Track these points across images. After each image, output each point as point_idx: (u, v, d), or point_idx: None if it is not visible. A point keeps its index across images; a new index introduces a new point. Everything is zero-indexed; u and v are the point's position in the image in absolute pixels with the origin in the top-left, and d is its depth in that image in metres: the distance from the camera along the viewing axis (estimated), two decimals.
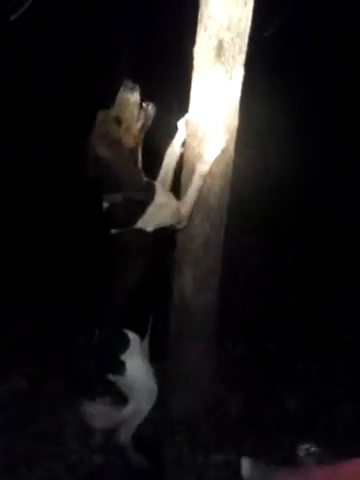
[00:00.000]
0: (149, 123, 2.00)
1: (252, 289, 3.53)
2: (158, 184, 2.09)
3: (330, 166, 4.96)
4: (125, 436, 2.25)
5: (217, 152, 2.03)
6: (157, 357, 2.79)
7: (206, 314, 2.41)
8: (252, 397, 2.68)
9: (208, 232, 2.21)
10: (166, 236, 2.12)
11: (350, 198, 4.51)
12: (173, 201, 2.08)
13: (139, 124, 1.97)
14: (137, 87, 1.94)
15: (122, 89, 1.92)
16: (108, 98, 1.97)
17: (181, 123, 2.17)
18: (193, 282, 2.30)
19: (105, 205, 2.03)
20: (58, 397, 2.74)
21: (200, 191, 2.10)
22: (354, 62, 5.07)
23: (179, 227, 2.14)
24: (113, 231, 2.05)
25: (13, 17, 1.39)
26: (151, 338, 2.41)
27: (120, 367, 2.04)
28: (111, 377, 2.10)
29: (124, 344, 2.05)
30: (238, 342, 3.05)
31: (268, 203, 4.56)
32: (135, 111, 1.94)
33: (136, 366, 2.08)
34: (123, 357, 2.04)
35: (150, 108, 1.99)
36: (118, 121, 1.92)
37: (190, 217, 2.16)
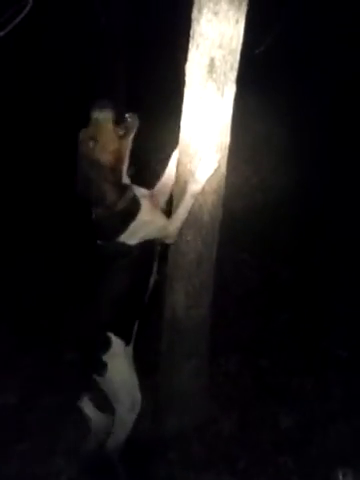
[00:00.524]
0: (130, 135, 2.00)
1: (245, 305, 3.51)
2: (144, 201, 2.08)
3: (324, 181, 4.99)
4: (113, 446, 2.25)
5: (209, 172, 2.04)
6: (149, 373, 2.80)
7: (198, 330, 2.39)
8: (245, 414, 2.65)
9: (200, 248, 2.20)
10: (154, 249, 2.14)
11: (345, 213, 4.52)
12: (160, 218, 2.10)
13: (117, 141, 1.97)
14: (109, 105, 1.94)
15: (93, 109, 1.94)
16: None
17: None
18: (185, 298, 2.29)
19: (93, 217, 2.07)
20: (49, 412, 2.71)
21: (192, 207, 2.10)
22: (347, 77, 5.13)
23: (168, 242, 2.17)
24: (98, 242, 2.10)
25: (2, 33, 1.40)
26: (143, 353, 2.41)
27: (101, 367, 2.10)
28: (95, 377, 2.14)
29: (106, 345, 2.10)
30: (231, 358, 3.01)
31: (262, 218, 4.56)
32: (109, 130, 1.95)
33: (117, 369, 2.14)
34: (105, 358, 2.09)
35: (131, 120, 1.99)
36: (94, 140, 1.93)
37: (182, 233, 2.16)
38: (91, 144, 1.94)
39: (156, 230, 2.09)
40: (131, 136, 2.01)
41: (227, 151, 2.12)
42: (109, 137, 1.95)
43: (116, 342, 2.12)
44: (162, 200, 2.25)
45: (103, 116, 1.94)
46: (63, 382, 2.86)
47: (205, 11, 1.89)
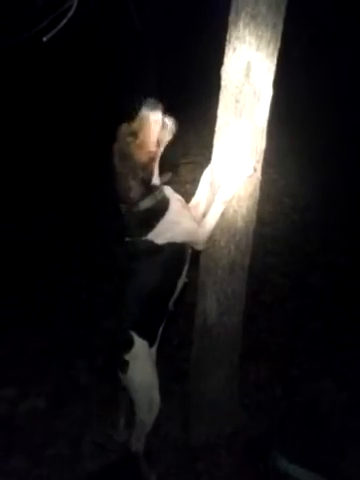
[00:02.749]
0: (167, 139, 2.00)
1: (275, 312, 3.45)
2: (174, 202, 2.07)
3: (354, 185, 4.89)
4: (135, 446, 2.30)
5: (242, 179, 2.01)
6: (179, 379, 2.78)
7: (230, 338, 2.35)
8: (275, 425, 2.58)
9: (234, 254, 2.16)
10: (185, 252, 2.12)
11: None
12: (189, 222, 2.06)
13: (155, 141, 1.96)
14: (159, 106, 1.94)
15: (144, 106, 1.94)
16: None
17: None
18: (217, 305, 2.25)
19: (122, 211, 2.07)
20: (77, 417, 2.71)
21: (226, 213, 2.07)
22: None
23: (197, 248, 2.13)
24: (127, 239, 2.08)
25: (46, 38, 1.40)
26: (173, 359, 2.38)
27: (123, 365, 2.11)
28: (118, 373, 2.16)
29: (128, 344, 2.11)
30: (260, 367, 2.96)
31: (291, 224, 4.50)
32: (154, 129, 1.94)
33: (138, 369, 2.13)
34: (127, 357, 2.11)
35: (169, 124, 1.98)
36: (134, 136, 1.93)
37: (215, 239, 2.13)
38: (130, 139, 1.94)
39: (184, 233, 2.06)
40: (167, 140, 2.00)
41: (262, 155, 2.08)
42: (150, 136, 1.94)
43: (139, 342, 2.12)
44: (197, 215, 2.20)
45: (153, 115, 1.93)
46: (92, 388, 2.87)
47: (243, 14, 1.86)
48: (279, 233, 4.32)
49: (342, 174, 5.01)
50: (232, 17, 1.90)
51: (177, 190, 2.19)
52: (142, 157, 1.95)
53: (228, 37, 1.94)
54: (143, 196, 1.98)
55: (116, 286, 3.39)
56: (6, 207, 4.77)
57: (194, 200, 2.24)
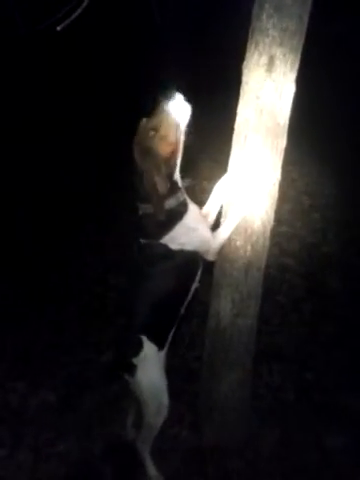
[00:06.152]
0: (186, 124, 1.93)
1: (290, 314, 3.37)
2: (193, 207, 2.03)
3: None
4: (142, 448, 2.28)
5: (262, 193, 1.96)
6: (189, 380, 2.73)
7: (243, 341, 2.28)
8: (288, 432, 2.52)
9: (250, 255, 2.10)
10: (199, 258, 2.07)
11: None
12: (204, 230, 2.03)
13: (177, 135, 1.91)
14: (176, 95, 1.89)
15: (162, 98, 1.90)
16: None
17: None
18: (231, 306, 2.19)
19: (139, 213, 2.02)
20: (87, 413, 2.69)
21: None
22: None
23: (207, 259, 2.08)
24: (142, 241, 2.04)
25: (60, 27, 1.37)
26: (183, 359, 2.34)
27: (131, 369, 2.08)
28: (127, 377, 2.13)
29: (137, 347, 2.08)
30: (273, 370, 2.89)
31: (309, 223, 4.40)
32: (173, 122, 1.89)
33: (146, 373, 2.10)
34: (135, 360, 2.07)
35: (187, 109, 1.91)
36: (156, 130, 1.89)
37: (231, 238, 2.07)
38: (151, 133, 1.89)
39: (198, 241, 2.02)
40: (187, 126, 1.93)
41: (283, 154, 2.01)
42: (171, 129, 1.89)
43: (148, 346, 2.09)
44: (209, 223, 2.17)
45: (172, 106, 1.88)
46: (101, 382, 2.85)
47: (267, 6, 1.79)
48: (296, 232, 4.23)
49: None
50: (255, 9, 1.83)
51: (194, 186, 2.14)
52: (165, 150, 1.90)
53: (250, 31, 1.88)
54: (169, 193, 1.93)
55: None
56: (22, 200, 4.78)
57: (205, 208, 2.18)
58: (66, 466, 2.42)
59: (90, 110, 5.82)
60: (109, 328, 3.26)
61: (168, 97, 1.89)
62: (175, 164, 1.96)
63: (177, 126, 1.90)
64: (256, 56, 1.86)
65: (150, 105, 1.95)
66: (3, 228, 4.33)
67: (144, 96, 2.13)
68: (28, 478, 2.37)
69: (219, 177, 2.17)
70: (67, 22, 1.37)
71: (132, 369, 2.08)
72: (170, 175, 1.94)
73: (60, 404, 2.76)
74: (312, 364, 2.92)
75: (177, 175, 1.99)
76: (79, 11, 1.38)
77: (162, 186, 1.89)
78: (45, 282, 3.81)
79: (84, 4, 1.40)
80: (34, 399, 2.79)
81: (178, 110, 1.89)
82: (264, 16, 1.79)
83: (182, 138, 1.93)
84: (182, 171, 2.04)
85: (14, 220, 4.47)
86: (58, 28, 1.37)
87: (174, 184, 1.97)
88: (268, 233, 2.13)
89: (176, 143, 1.92)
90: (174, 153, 1.93)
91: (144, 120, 1.94)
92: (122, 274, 3.77)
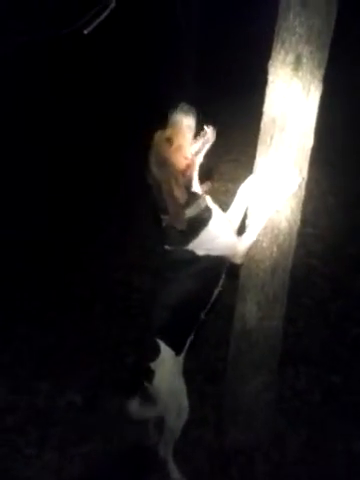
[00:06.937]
0: (206, 147, 1.96)
1: (316, 315, 3.32)
2: (217, 211, 2.02)
3: None
4: (164, 451, 2.29)
5: (288, 195, 1.95)
6: (213, 381, 2.72)
7: (269, 343, 2.26)
8: (314, 435, 2.48)
9: (276, 256, 2.08)
10: (223, 263, 2.07)
11: None
12: (230, 234, 2.02)
13: (193, 147, 1.94)
14: (192, 111, 1.92)
15: (177, 111, 1.92)
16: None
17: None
18: (257, 309, 2.17)
19: (163, 225, 2.03)
20: (112, 414, 2.70)
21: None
22: None
23: (235, 262, 2.07)
24: (167, 248, 2.05)
25: (87, 30, 1.38)
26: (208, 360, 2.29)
27: (148, 374, 2.09)
28: (145, 382, 2.13)
29: (155, 352, 2.08)
30: (299, 372, 2.85)
31: (334, 223, 4.33)
32: (188, 133, 1.92)
33: (164, 377, 2.10)
34: (152, 365, 2.08)
35: (209, 132, 1.94)
36: (169, 141, 1.91)
37: (257, 239, 2.05)
38: (166, 145, 1.91)
39: (224, 245, 2.01)
40: (206, 148, 1.96)
41: (309, 153, 1.98)
42: (185, 141, 1.92)
43: (165, 350, 2.09)
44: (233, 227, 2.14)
45: (186, 120, 1.91)
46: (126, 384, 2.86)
47: (293, 3, 1.77)
48: (322, 233, 4.16)
49: None
50: (282, 7, 1.81)
51: (218, 188, 2.13)
52: (180, 162, 1.92)
53: (276, 29, 1.86)
54: (188, 202, 1.93)
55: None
56: (47, 202, 4.84)
57: (230, 211, 2.16)
58: (89, 467, 2.43)
59: (114, 112, 5.85)
60: (133, 329, 3.27)
61: (181, 110, 1.92)
62: (192, 175, 1.97)
63: (189, 138, 1.92)
64: (282, 54, 1.84)
65: (166, 116, 1.96)
66: (26, 231, 4.39)
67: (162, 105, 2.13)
68: (53, 478, 2.38)
69: (243, 179, 2.15)
70: (94, 25, 1.38)
71: (150, 375, 2.08)
72: (188, 185, 1.95)
73: (85, 406, 2.78)
74: (338, 366, 2.87)
75: (196, 184, 2.00)
76: (106, 13, 1.38)
77: (180, 196, 1.90)
78: (69, 284, 3.85)
79: (111, 6, 1.40)
80: (61, 400, 2.81)
81: (189, 123, 1.91)
82: (291, 14, 1.77)
83: (199, 150, 1.95)
84: (205, 173, 2.04)
85: (37, 223, 4.52)
86: (85, 31, 1.37)
87: (193, 193, 1.97)
88: (294, 233, 2.11)
89: (192, 156, 1.94)
90: (189, 166, 1.94)
91: (159, 132, 1.96)
92: (145, 275, 3.78)
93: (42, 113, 5.81)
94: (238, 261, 2.07)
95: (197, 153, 1.95)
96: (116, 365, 3.02)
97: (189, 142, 1.92)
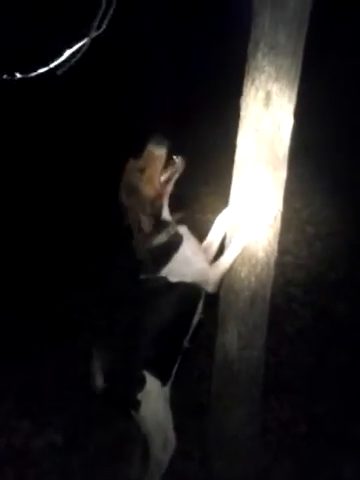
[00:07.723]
0: (176, 176, 2.03)
1: (297, 344, 3.33)
2: (188, 238, 2.06)
3: None
4: None
5: (263, 226, 2.00)
6: (197, 414, 2.68)
7: (251, 373, 2.26)
8: (301, 466, 2.46)
9: (255, 286, 2.10)
10: (200, 289, 2.08)
11: None
12: (201, 261, 2.05)
13: (163, 177, 2.00)
14: (165, 143, 1.98)
15: (150, 142, 1.98)
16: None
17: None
18: (238, 339, 2.17)
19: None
20: (94, 453, 2.63)
21: (246, 244, 2.02)
22: None
23: (208, 290, 2.08)
24: (142, 276, 2.08)
25: (60, 71, 1.42)
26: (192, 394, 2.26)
27: (135, 405, 2.07)
28: (132, 412, 2.10)
29: (140, 383, 2.05)
30: (283, 402, 2.84)
31: (314, 252, 4.39)
32: (159, 164, 1.98)
33: (151, 408, 2.09)
34: (139, 396, 2.05)
35: (178, 162, 2.02)
36: (141, 171, 1.97)
37: (235, 270, 2.08)
38: (137, 174, 1.97)
39: (196, 272, 2.04)
40: (175, 177, 2.03)
41: (284, 185, 2.04)
42: (156, 172, 1.97)
43: (151, 381, 2.07)
44: (209, 257, 2.17)
45: (158, 151, 1.97)
46: (108, 419, 2.80)
47: (261, 45, 1.86)
48: (301, 262, 4.22)
49: None
50: (250, 48, 1.89)
51: (199, 219, 2.16)
52: (149, 192, 1.97)
53: (246, 68, 1.94)
54: (155, 231, 1.97)
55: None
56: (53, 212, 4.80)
57: (206, 241, 2.21)
58: None
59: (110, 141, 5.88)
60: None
61: (154, 141, 1.98)
62: (161, 205, 2.02)
63: (164, 170, 1.98)
64: (253, 92, 1.92)
65: (139, 147, 2.01)
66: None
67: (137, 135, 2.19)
68: None
69: (221, 209, 2.20)
70: (68, 66, 1.42)
71: (136, 405, 2.06)
72: (157, 214, 2.00)
73: (65, 444, 2.71)
74: (323, 394, 2.86)
75: (166, 212, 2.05)
76: (78, 56, 1.43)
77: (146, 225, 1.95)
78: (48, 318, 3.80)
79: (84, 49, 1.45)
80: (39, 440, 2.74)
81: (161, 153, 1.97)
82: (259, 54, 1.86)
83: (169, 182, 2.01)
84: (183, 204, 2.08)
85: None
86: (58, 72, 1.42)
87: (162, 222, 2.01)
88: (272, 263, 2.14)
89: (162, 187, 1.99)
90: (160, 196, 2.00)
91: (131, 161, 2.02)
92: (127, 308, 3.76)
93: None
94: (210, 289, 2.07)
95: (166, 182, 2.01)
96: (97, 400, 2.96)
97: (159, 172, 1.98)
